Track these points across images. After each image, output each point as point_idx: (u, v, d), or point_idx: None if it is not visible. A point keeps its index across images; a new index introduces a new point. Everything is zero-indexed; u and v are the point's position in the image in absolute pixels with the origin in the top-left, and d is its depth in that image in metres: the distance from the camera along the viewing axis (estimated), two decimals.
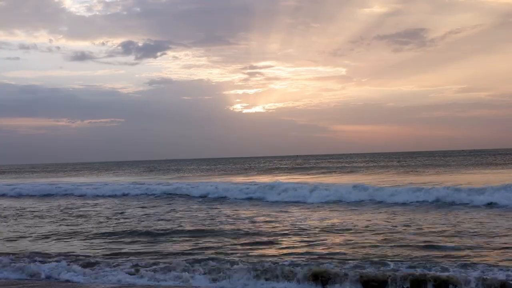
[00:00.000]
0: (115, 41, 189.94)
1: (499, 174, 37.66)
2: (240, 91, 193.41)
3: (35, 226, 16.19)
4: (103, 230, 14.75)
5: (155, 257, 10.70)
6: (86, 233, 14.32)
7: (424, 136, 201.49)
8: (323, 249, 11.02)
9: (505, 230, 12.73)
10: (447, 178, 32.49)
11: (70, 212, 20.20)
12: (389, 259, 9.70)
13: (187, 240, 12.69)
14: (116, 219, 17.52)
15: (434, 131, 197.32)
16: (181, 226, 15.16)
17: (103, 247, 12.14)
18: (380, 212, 17.20)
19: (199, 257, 10.46)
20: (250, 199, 23.61)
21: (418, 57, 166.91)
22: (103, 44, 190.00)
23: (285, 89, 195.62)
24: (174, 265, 9.62)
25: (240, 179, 41.39)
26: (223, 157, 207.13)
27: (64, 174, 71.82)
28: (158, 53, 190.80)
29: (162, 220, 16.74)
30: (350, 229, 13.55)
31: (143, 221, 16.48)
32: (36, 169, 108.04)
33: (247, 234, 13.35)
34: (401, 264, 9.30)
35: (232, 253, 10.88)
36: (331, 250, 10.81)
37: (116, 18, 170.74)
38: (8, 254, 11.23)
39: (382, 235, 12.47)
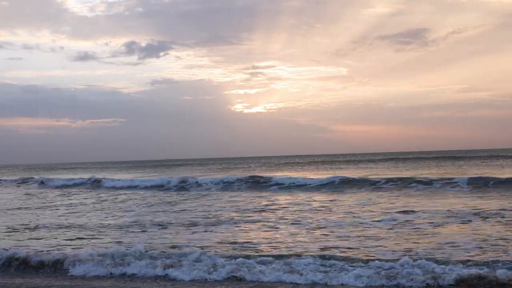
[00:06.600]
0: (118, 41, 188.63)
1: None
2: (241, 91, 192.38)
3: None
4: None
5: None
6: None
7: (425, 136, 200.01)
8: None
9: None
10: None
11: None
12: None
13: None
14: None
15: (434, 131, 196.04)
16: None
17: None
18: None
19: None
20: None
21: (420, 57, 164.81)
22: (106, 44, 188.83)
23: (286, 89, 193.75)
24: None
25: None
26: (224, 157, 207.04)
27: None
28: (161, 53, 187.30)
29: None
30: None
31: None
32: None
33: None
34: None
35: None
36: None
37: (119, 18, 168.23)
38: None
39: None
